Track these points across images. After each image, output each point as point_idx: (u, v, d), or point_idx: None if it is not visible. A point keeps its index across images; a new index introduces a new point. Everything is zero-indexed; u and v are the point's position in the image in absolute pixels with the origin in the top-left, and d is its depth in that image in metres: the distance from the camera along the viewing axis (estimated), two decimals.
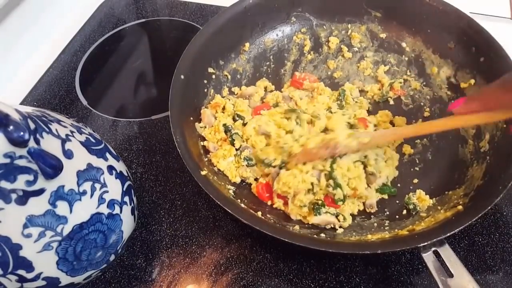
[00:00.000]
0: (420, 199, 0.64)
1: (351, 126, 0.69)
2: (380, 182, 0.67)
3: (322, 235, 0.60)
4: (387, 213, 0.65)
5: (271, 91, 0.78)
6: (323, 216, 0.61)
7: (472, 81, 0.70)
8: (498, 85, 0.51)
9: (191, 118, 0.68)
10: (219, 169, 0.66)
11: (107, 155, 0.53)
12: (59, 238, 0.45)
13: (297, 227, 0.61)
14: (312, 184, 0.62)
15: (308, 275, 0.60)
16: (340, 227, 0.62)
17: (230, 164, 0.67)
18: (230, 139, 0.68)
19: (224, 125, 0.69)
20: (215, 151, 0.67)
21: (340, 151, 0.63)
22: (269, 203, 0.65)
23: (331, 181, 0.62)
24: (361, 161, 0.65)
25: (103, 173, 0.50)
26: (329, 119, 0.69)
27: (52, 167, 0.43)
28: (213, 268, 0.61)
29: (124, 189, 0.53)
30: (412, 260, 0.61)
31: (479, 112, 0.53)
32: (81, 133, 0.51)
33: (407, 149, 0.71)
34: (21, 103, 0.83)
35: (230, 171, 0.66)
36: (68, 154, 0.46)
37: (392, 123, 0.74)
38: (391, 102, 0.77)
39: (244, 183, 0.67)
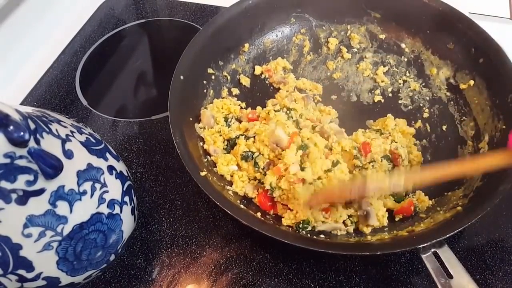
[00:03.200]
0: (420, 200, 0.64)
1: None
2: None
3: (322, 236, 0.60)
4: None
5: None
6: (328, 224, 0.60)
7: (472, 82, 0.70)
8: None
9: (191, 119, 0.69)
10: (221, 175, 0.65)
11: (107, 155, 0.53)
12: (59, 238, 0.45)
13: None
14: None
15: (308, 275, 0.60)
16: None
17: (234, 173, 0.65)
18: (253, 162, 0.64)
19: (243, 153, 0.65)
20: (215, 154, 0.67)
21: (370, 195, 0.58)
22: (271, 212, 0.63)
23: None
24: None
25: (103, 173, 0.50)
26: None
27: (52, 167, 0.43)
28: (213, 268, 0.61)
29: (124, 189, 0.53)
30: (412, 260, 0.61)
31: None
32: (81, 133, 0.51)
33: None
34: (21, 103, 0.83)
35: (235, 182, 0.64)
36: (68, 154, 0.46)
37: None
38: (390, 103, 0.77)
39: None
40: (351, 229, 0.61)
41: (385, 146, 0.66)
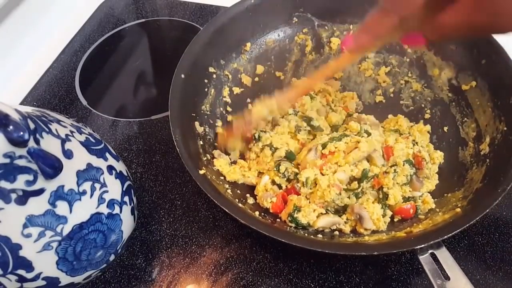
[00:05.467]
0: (425, 201, 0.63)
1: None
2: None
3: (320, 236, 0.60)
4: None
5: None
6: (328, 218, 0.60)
7: (474, 83, 0.70)
8: (378, 11, 0.47)
9: (191, 117, 0.68)
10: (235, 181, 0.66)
11: (107, 155, 0.53)
12: (59, 238, 0.45)
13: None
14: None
15: (308, 275, 0.60)
16: (340, 230, 0.61)
17: (265, 184, 0.65)
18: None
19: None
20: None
21: (255, 124, 0.67)
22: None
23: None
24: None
25: (103, 173, 0.50)
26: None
27: (52, 167, 0.43)
28: (213, 268, 0.61)
29: (124, 189, 0.53)
30: (412, 260, 0.61)
31: (370, 43, 0.51)
32: (81, 133, 0.51)
33: None
34: (21, 103, 0.83)
35: (260, 198, 0.64)
36: (68, 154, 0.46)
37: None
38: (391, 103, 0.77)
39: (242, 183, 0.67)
40: (348, 229, 0.61)
41: (408, 150, 0.65)
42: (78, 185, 0.47)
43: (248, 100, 0.78)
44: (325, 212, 0.61)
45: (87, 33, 0.96)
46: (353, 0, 0.79)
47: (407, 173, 0.63)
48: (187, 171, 0.57)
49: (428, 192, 0.65)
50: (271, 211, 0.63)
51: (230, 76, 0.78)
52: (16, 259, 0.44)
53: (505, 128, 0.62)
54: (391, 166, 0.64)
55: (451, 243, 0.62)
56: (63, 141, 0.46)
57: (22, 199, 0.42)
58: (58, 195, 0.45)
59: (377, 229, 0.61)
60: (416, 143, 0.68)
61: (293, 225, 0.60)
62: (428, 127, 0.72)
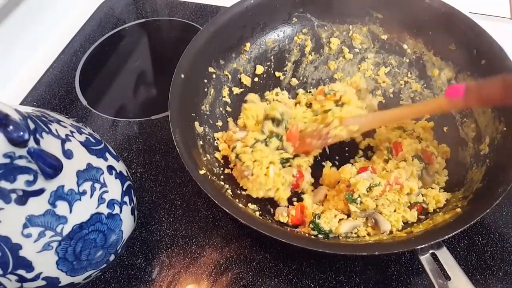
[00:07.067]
0: (436, 197, 0.63)
1: None
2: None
3: (320, 236, 0.60)
4: None
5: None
6: (349, 223, 0.60)
7: None
8: (498, 83, 0.53)
9: (191, 117, 0.68)
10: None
11: (107, 155, 0.53)
12: (59, 238, 0.45)
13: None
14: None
15: (308, 275, 0.60)
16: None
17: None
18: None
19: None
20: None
21: (332, 140, 0.65)
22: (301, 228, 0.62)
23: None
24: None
25: (103, 173, 0.50)
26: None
27: (52, 167, 0.43)
28: (213, 268, 0.61)
29: (124, 189, 0.53)
30: (412, 260, 0.61)
31: (473, 105, 0.56)
32: (81, 133, 0.51)
33: None
34: (21, 103, 0.83)
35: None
36: (68, 154, 0.46)
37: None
38: (391, 104, 0.77)
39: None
40: (364, 233, 0.61)
41: (417, 146, 0.66)
42: (78, 185, 0.47)
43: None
44: (346, 217, 0.61)
45: (87, 33, 0.96)
46: (353, 0, 0.79)
47: (417, 167, 0.63)
48: (187, 171, 0.57)
49: (440, 188, 0.65)
50: (290, 224, 0.62)
51: (229, 76, 0.78)
52: (16, 259, 0.44)
53: (504, 129, 0.62)
54: (400, 162, 0.64)
55: (451, 243, 0.62)
56: (63, 141, 0.46)
57: (22, 199, 0.42)
58: (58, 195, 0.45)
59: (395, 228, 0.60)
60: (421, 139, 0.69)
61: (315, 232, 0.60)
62: (432, 123, 0.72)
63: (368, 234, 0.61)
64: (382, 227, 0.60)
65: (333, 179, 0.67)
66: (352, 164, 0.67)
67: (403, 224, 0.61)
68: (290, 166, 0.67)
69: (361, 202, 0.60)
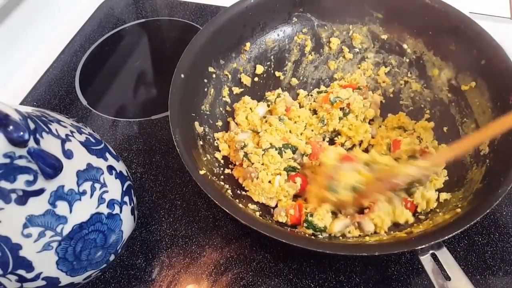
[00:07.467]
0: (427, 200, 0.63)
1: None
2: None
3: (320, 236, 0.60)
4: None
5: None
6: (342, 221, 0.60)
7: (473, 84, 0.70)
8: None
9: (191, 117, 0.68)
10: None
11: (107, 155, 0.53)
12: (59, 238, 0.45)
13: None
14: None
15: (308, 275, 0.60)
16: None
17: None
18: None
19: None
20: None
21: (403, 181, 0.58)
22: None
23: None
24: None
25: (103, 173, 0.50)
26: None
27: (52, 167, 0.43)
28: (213, 268, 0.61)
29: (124, 189, 0.53)
30: (412, 260, 0.61)
31: None
32: (81, 133, 0.51)
33: None
34: (21, 103, 0.83)
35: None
36: (68, 154, 0.46)
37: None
38: (391, 104, 0.77)
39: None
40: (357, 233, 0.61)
41: (415, 147, 0.66)
42: (78, 185, 0.47)
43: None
44: (336, 214, 0.61)
45: (87, 33, 0.96)
46: (353, 0, 0.79)
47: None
48: (187, 171, 0.57)
49: (436, 190, 0.65)
50: (289, 224, 0.62)
51: (229, 76, 0.78)
52: (16, 259, 0.44)
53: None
54: (394, 160, 0.64)
55: (451, 243, 0.62)
56: (63, 141, 0.46)
57: (22, 199, 0.42)
58: (58, 195, 0.45)
59: (379, 230, 0.61)
60: (421, 139, 0.69)
61: (310, 231, 0.59)
62: (432, 124, 0.72)
63: (360, 235, 0.61)
64: (365, 228, 0.60)
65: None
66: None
67: (403, 225, 0.61)
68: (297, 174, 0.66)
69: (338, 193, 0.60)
